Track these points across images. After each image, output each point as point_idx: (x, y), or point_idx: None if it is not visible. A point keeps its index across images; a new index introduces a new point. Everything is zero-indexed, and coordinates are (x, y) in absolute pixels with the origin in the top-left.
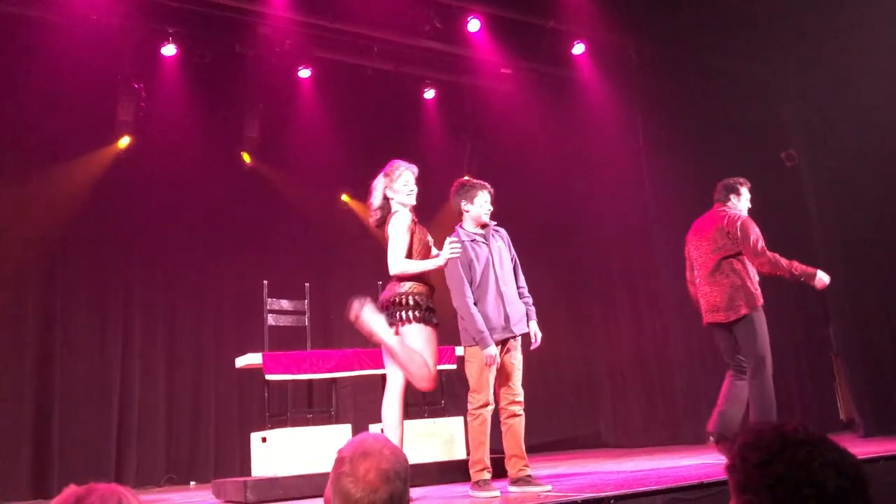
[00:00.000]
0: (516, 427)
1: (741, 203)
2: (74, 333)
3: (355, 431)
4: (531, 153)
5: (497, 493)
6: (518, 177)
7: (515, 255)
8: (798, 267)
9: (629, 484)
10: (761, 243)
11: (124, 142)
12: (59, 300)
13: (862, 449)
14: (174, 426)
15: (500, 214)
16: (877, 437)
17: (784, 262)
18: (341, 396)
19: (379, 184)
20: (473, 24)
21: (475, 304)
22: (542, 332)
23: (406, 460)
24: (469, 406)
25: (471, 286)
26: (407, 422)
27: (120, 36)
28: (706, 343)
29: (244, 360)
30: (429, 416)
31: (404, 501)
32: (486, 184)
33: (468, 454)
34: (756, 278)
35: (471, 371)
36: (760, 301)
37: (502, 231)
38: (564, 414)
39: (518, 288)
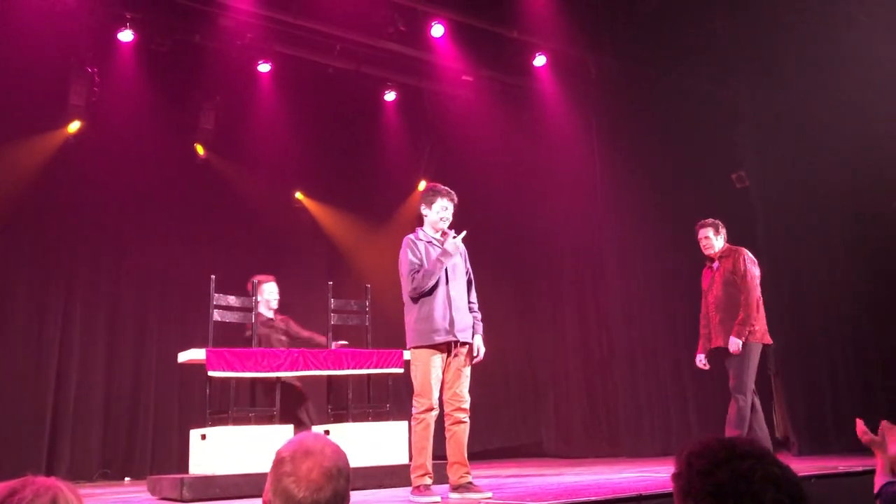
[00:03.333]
0: (460, 434)
1: None
2: (11, 321)
3: (297, 433)
4: (488, 160)
5: (437, 498)
6: (474, 183)
7: (470, 271)
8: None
9: (569, 493)
10: None
11: (74, 126)
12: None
13: (795, 466)
14: (111, 419)
15: (455, 219)
16: (809, 456)
17: None
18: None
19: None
20: (437, 30)
21: (424, 303)
22: (491, 339)
23: (346, 458)
24: (413, 410)
25: None
26: (350, 425)
27: (76, 18)
28: (650, 358)
29: (187, 356)
30: (373, 420)
31: (346, 500)
32: (451, 192)
33: (411, 459)
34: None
35: (416, 374)
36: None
37: (462, 245)
38: (507, 423)
39: (469, 302)
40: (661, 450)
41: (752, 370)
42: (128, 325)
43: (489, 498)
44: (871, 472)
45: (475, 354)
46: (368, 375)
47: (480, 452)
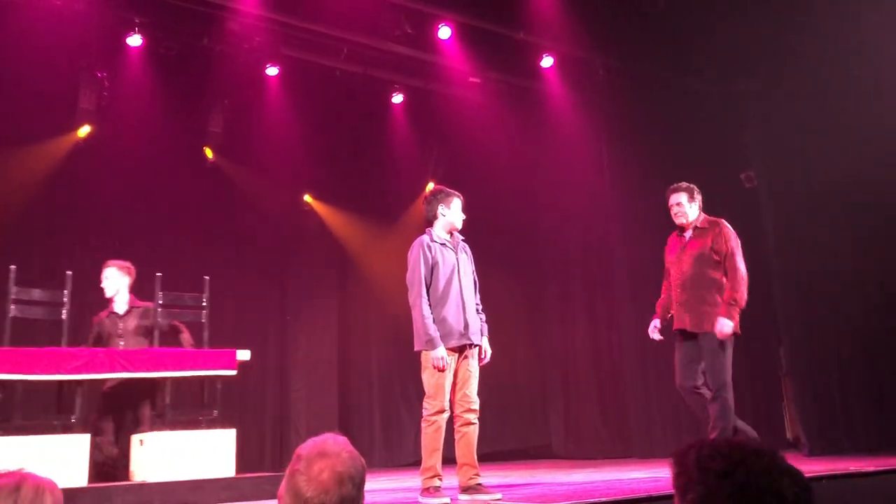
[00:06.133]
0: (470, 435)
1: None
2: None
3: (92, 441)
4: (496, 162)
5: (447, 499)
6: (482, 184)
7: (475, 273)
8: None
9: (578, 495)
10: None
11: (84, 130)
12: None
13: (806, 468)
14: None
15: (464, 221)
16: (821, 457)
17: None
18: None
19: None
20: (444, 32)
21: (437, 306)
22: (500, 340)
23: (363, 466)
24: (424, 412)
25: (433, 289)
26: (169, 433)
27: (85, 22)
28: (661, 358)
29: None
30: (206, 427)
31: None
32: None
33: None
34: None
35: (426, 377)
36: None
37: (468, 247)
38: (517, 424)
39: (476, 304)
40: (673, 451)
41: (730, 361)
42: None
43: (499, 499)
44: (883, 473)
45: (482, 356)
46: (201, 379)
47: (490, 454)
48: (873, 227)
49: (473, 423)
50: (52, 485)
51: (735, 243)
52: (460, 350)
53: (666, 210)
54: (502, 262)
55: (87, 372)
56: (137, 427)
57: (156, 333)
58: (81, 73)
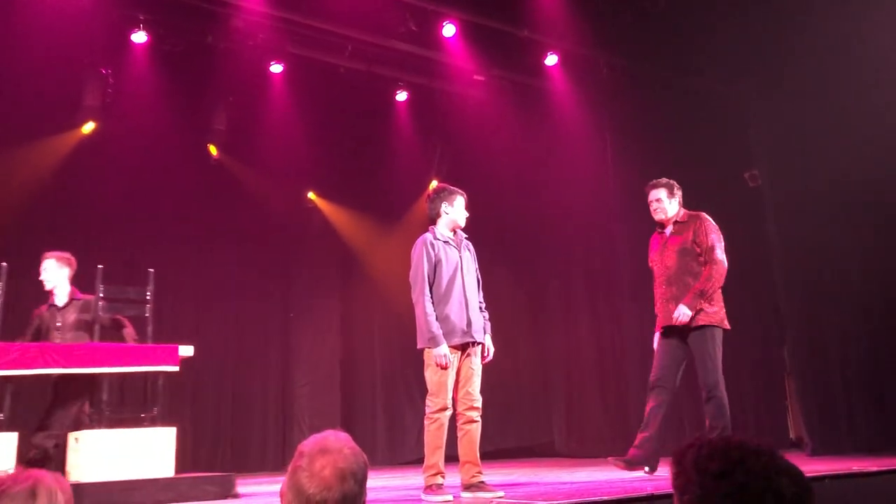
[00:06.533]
0: (473, 433)
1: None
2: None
3: (21, 441)
4: (500, 160)
5: (450, 497)
6: (485, 182)
7: (478, 271)
8: None
9: (581, 493)
10: None
11: (88, 127)
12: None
13: (809, 467)
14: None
15: (467, 219)
16: (823, 456)
17: None
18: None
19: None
20: (448, 29)
21: (439, 304)
22: (503, 339)
23: (365, 462)
24: (427, 410)
25: (436, 286)
26: (106, 431)
27: (89, 20)
28: None
29: None
30: (147, 425)
31: (358, 503)
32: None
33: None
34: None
35: (429, 375)
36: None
37: (471, 245)
38: (520, 422)
39: (479, 301)
40: (673, 450)
41: (721, 358)
42: (141, 323)
43: (501, 497)
44: (886, 473)
45: (485, 354)
46: (144, 374)
47: (492, 452)
48: (875, 226)
49: (476, 421)
50: (63, 483)
51: (716, 236)
52: (463, 348)
53: None
54: (505, 260)
55: (18, 368)
56: (76, 424)
57: (96, 328)
58: (86, 70)
